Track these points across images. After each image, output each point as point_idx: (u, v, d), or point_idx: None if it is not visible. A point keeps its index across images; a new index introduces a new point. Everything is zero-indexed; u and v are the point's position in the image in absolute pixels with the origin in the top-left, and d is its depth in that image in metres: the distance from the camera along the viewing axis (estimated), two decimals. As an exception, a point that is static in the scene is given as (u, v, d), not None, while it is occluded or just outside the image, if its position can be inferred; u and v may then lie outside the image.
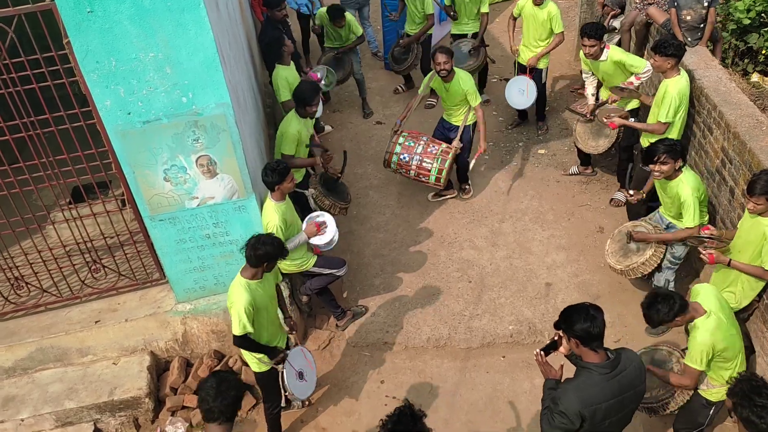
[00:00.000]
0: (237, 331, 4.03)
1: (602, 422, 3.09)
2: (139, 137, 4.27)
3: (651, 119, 5.48)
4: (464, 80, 6.13)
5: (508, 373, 5.18)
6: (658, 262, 4.89)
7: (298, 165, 5.55)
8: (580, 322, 3.04)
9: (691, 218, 4.65)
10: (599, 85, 6.36)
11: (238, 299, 4.00)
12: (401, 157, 6.32)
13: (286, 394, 4.57)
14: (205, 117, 4.27)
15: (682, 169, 4.65)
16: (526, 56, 7.11)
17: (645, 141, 5.60)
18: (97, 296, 5.22)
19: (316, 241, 5.14)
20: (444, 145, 6.31)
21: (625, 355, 3.17)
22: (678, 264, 5.03)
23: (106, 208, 4.94)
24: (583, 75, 6.46)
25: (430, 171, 6.25)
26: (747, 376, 2.95)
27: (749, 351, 4.67)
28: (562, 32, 6.88)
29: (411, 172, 6.36)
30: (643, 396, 3.30)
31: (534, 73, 7.08)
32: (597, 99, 6.38)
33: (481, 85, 8.09)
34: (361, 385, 5.21)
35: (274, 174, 4.68)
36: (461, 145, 6.31)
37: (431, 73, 6.28)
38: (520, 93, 7.16)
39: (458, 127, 6.33)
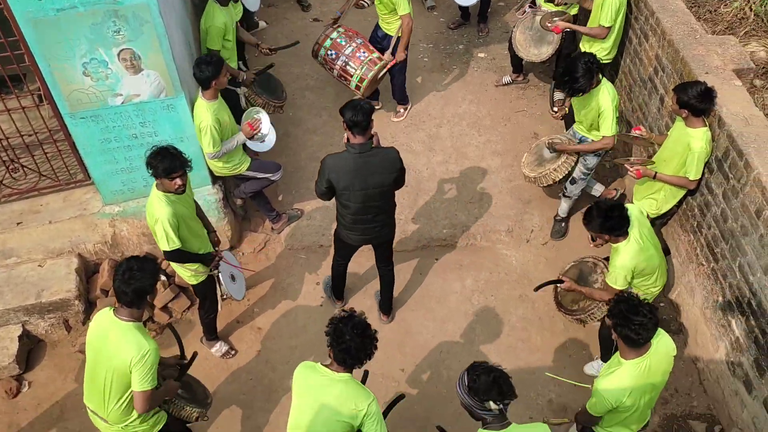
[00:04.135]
0: (165, 246, 3.95)
1: (347, 191, 4.03)
2: (53, 26, 3.95)
3: (592, 23, 5.46)
4: None
5: (440, 274, 5.34)
6: (569, 169, 5.03)
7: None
8: (347, 111, 3.91)
9: (608, 127, 4.72)
10: None
11: (160, 213, 3.87)
12: (329, 52, 6.00)
13: (224, 297, 4.59)
14: (125, 6, 3.97)
15: (602, 80, 4.69)
16: None
17: (584, 45, 5.59)
18: (17, 197, 4.99)
19: (253, 144, 5.02)
20: (375, 54, 5.97)
21: (383, 150, 4.07)
22: (589, 175, 5.20)
23: (21, 103, 4.62)
24: None
25: (352, 76, 5.96)
26: (624, 297, 3.12)
27: (665, 252, 4.97)
28: None
29: (335, 71, 6.06)
30: (390, 186, 4.11)
31: None
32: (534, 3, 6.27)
33: None
34: (297, 287, 5.28)
35: (209, 67, 4.47)
36: (392, 59, 6.01)
37: None
38: None
39: (391, 37, 5.99)
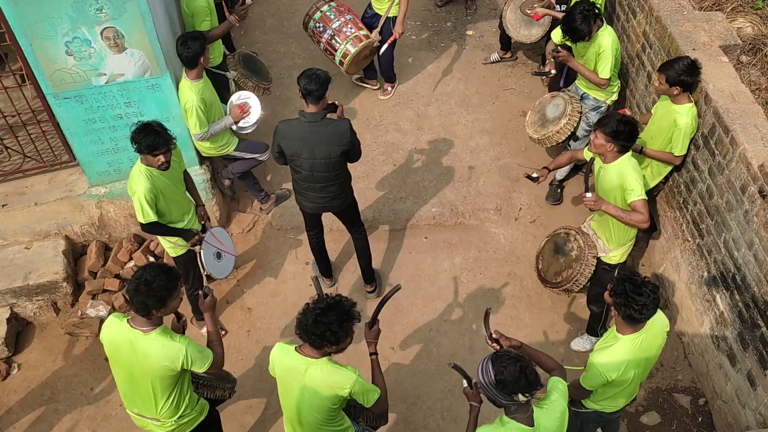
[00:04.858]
0: (140, 219, 3.97)
1: (295, 158, 4.12)
2: (33, 4, 3.89)
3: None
4: None
5: (429, 253, 5.36)
6: (572, 130, 5.06)
7: (216, 35, 5.18)
8: (302, 79, 3.96)
9: (606, 68, 4.76)
10: None
11: (138, 187, 3.88)
12: (317, 25, 6.00)
13: (206, 274, 4.59)
14: (107, -17, 3.90)
15: (603, 26, 4.73)
16: None
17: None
18: (1, 179, 4.94)
19: (242, 124, 5.00)
20: (363, 32, 5.93)
21: (334, 121, 4.09)
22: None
23: (3, 84, 4.55)
24: None
25: (336, 51, 5.94)
26: (627, 276, 3.11)
27: (652, 229, 5.01)
28: None
29: (321, 44, 6.07)
30: (338, 158, 4.12)
31: None
32: None
33: None
34: (286, 267, 5.28)
35: (195, 43, 4.42)
36: (379, 38, 5.96)
37: None
38: None
39: (380, 16, 5.92)
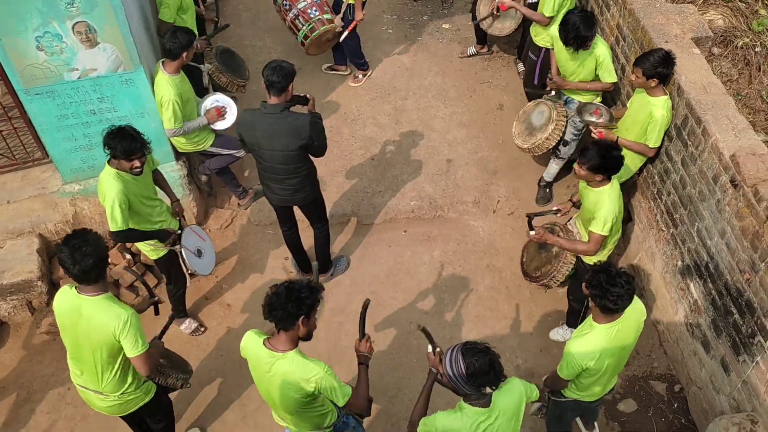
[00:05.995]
0: (112, 227, 3.87)
1: (255, 148, 4.16)
2: (2, -1, 3.81)
3: (539, 9, 5.41)
4: None
5: (409, 246, 5.38)
6: (560, 135, 5.07)
7: None
8: (266, 70, 3.98)
9: (611, 74, 4.78)
10: None
11: (110, 191, 3.79)
12: (284, 3, 6.10)
13: (189, 272, 4.56)
14: (78, -23, 3.84)
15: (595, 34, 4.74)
16: None
17: (532, 30, 5.59)
18: (-28, 177, 4.85)
19: (215, 126, 4.97)
20: (326, 15, 6.00)
21: (295, 114, 4.06)
22: (580, 135, 5.25)
23: (-28, 80, 4.47)
24: None
25: (299, 31, 6.03)
26: (603, 267, 3.15)
27: (627, 220, 5.08)
28: None
29: (286, 22, 6.16)
30: (296, 151, 4.12)
31: None
32: None
33: None
34: (265, 262, 5.26)
35: (184, 36, 4.44)
36: (341, 23, 6.00)
37: None
38: None
39: (343, 2, 5.97)
